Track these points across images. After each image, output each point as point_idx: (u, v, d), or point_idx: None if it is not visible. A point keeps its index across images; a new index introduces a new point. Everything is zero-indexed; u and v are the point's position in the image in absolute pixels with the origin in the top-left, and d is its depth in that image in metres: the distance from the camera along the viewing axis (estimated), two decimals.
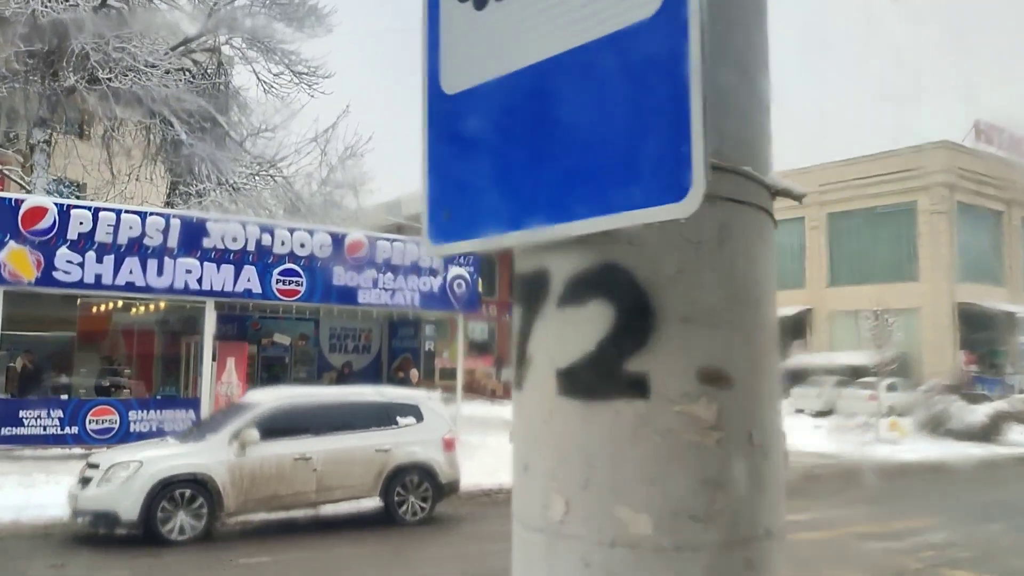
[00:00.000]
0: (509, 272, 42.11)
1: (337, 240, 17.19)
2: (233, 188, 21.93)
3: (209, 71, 22.42)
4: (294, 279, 16.49)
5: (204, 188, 21.21)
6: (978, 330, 34.72)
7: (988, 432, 23.01)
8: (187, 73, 21.55)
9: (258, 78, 22.56)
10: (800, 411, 30.40)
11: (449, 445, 11.25)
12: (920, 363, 33.85)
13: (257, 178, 22.96)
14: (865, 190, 35.90)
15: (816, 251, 37.71)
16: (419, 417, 11.26)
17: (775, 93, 1.15)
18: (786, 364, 37.49)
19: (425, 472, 10.87)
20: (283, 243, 16.41)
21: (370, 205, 43.09)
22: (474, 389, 37.34)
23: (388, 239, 18.29)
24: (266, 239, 16.21)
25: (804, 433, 22.89)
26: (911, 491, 15.10)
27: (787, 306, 37.74)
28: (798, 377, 33.32)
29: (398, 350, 21.93)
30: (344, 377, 19.79)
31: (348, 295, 17.36)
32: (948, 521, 11.58)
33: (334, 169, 27.97)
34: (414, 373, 20.01)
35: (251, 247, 16.02)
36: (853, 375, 31.25)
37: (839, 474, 16.80)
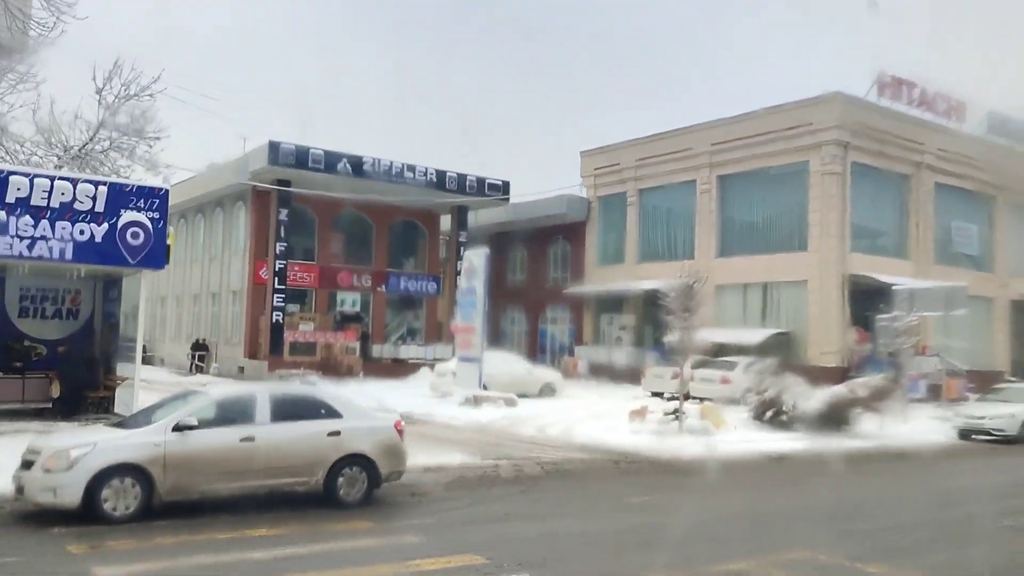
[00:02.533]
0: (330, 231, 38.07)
1: None
2: None
3: None
4: None
5: None
6: (874, 306, 31.11)
7: (830, 421, 19.52)
8: None
9: None
10: (658, 394, 26.87)
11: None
12: (806, 342, 30.36)
13: None
14: (757, 149, 32.19)
15: (706, 218, 34.04)
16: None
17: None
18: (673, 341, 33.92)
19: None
20: None
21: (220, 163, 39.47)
22: (330, 367, 33.81)
23: (24, 174, 14.60)
24: None
25: (621, 421, 19.45)
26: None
27: (665, 278, 34.13)
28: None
29: (109, 316, 18.27)
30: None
31: None
32: None
33: (112, 111, 24.35)
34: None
35: None
36: (715, 354, 27.78)
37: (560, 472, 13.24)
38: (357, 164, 34.18)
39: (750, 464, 15.82)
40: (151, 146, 25.73)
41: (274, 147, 32.37)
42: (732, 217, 33.70)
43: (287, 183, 33.91)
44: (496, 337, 43.99)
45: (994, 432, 19.84)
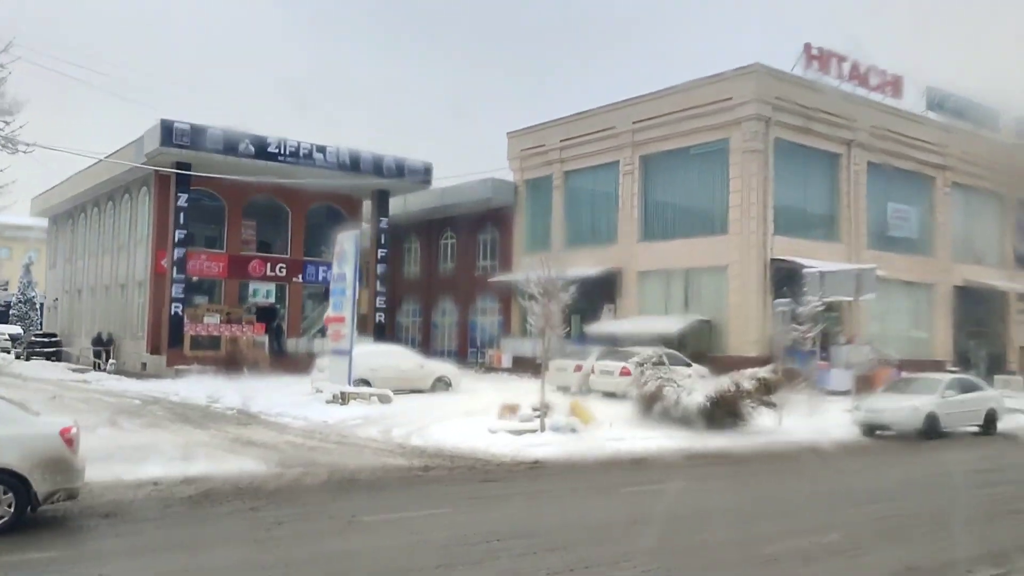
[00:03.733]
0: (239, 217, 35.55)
1: None
2: None
3: None
4: None
5: None
6: (799, 292, 29.42)
7: (718, 416, 17.77)
8: None
9: None
10: (564, 388, 25.06)
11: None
12: (725, 331, 28.65)
13: None
14: (678, 127, 30.39)
15: (629, 201, 32.23)
16: None
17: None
18: (593, 332, 32.21)
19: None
20: None
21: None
22: (234, 362, 31.87)
23: None
24: None
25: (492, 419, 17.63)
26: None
27: (594, 266, 32.44)
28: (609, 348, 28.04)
29: None
30: None
31: None
32: None
33: None
34: None
35: None
36: (613, 344, 26.07)
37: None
38: (260, 145, 32.23)
39: (597, 466, 14.04)
40: (7, 122, 23.92)
41: (167, 127, 30.35)
42: (655, 200, 31.91)
43: (188, 166, 31.95)
44: (428, 330, 42.30)
45: (895, 427, 18.14)
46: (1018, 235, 38.21)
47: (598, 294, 33.27)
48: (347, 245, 21.30)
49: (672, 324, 28.54)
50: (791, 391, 19.02)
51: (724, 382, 17.78)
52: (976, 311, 36.28)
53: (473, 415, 18.75)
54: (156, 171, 32.77)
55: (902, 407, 18.16)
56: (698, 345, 28.92)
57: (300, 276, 36.76)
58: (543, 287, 16.91)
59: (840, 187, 30.88)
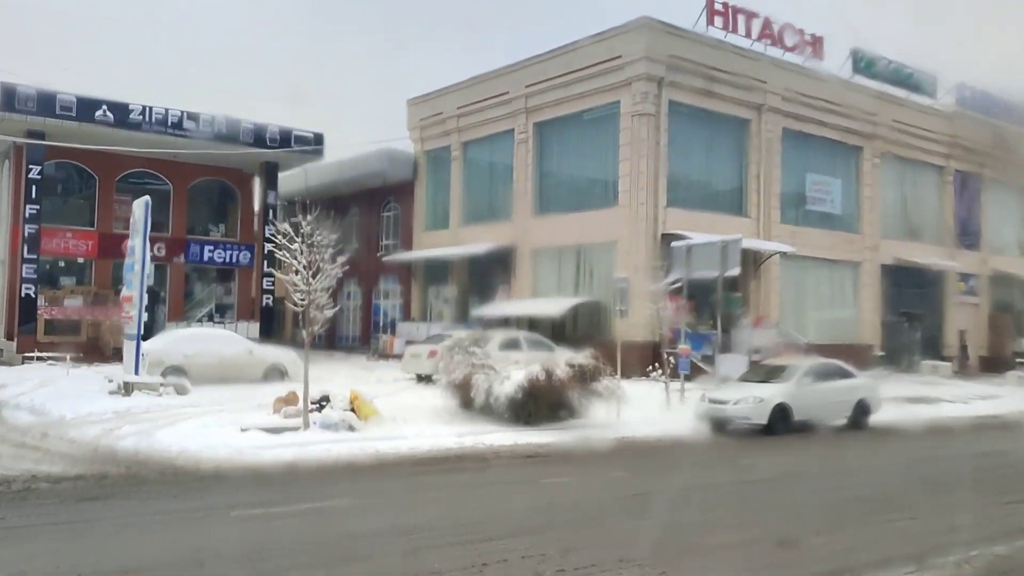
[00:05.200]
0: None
1: None
2: None
3: None
4: None
5: None
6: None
7: (536, 408, 15.21)
8: None
9: None
10: (423, 377, 22.44)
11: None
12: (611, 312, 25.99)
13: None
14: (570, 90, 27.67)
15: (523, 172, 29.53)
16: None
17: None
18: (483, 314, 29.59)
19: None
20: None
21: None
22: (96, 348, 29.27)
23: None
24: None
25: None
26: None
27: (488, 242, 29.86)
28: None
29: None
30: None
31: None
32: None
33: None
34: None
35: None
36: (485, 327, 23.48)
37: None
38: (121, 112, 29.47)
39: (322, 473, 11.45)
40: None
41: (8, 91, 27.59)
42: (549, 170, 29.22)
43: (42, 135, 29.18)
44: (334, 315, 39.59)
45: (738, 421, 15.54)
46: (958, 210, 35.62)
47: (494, 273, 30.72)
48: (138, 213, 18.62)
49: (552, 307, 25.96)
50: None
51: (535, 370, 15.16)
52: (910, 292, 33.73)
53: (264, 409, 16.16)
54: (14, 142, 30.03)
55: (745, 398, 15.54)
56: (587, 328, 26.35)
57: (183, 256, 34.06)
58: (305, 256, 14.21)
59: (749, 156, 28.17)
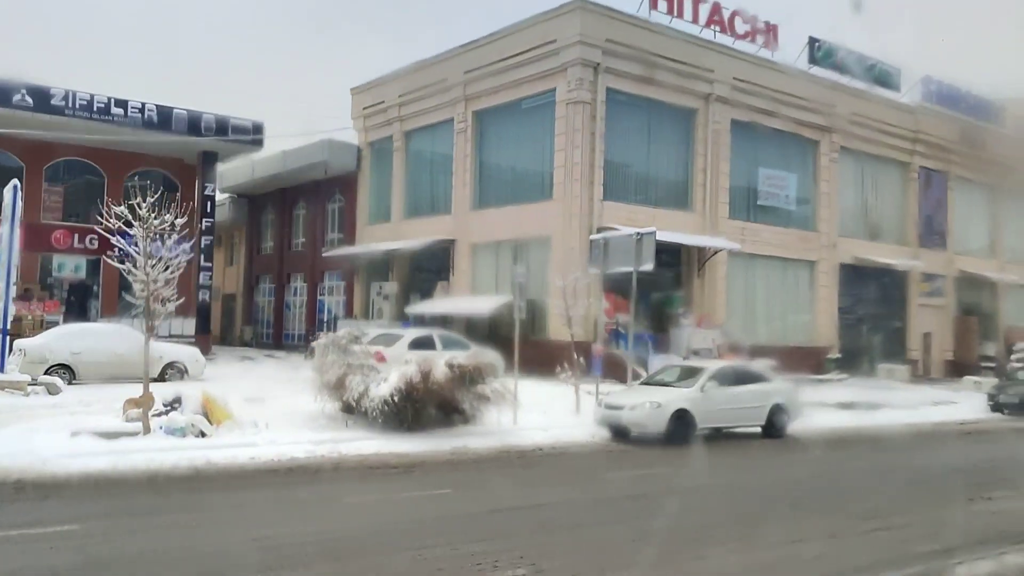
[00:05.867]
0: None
1: None
2: None
3: None
4: None
5: None
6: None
7: (409, 413, 13.93)
8: None
9: None
10: None
11: None
12: (545, 311, 24.74)
13: None
14: (508, 76, 26.39)
15: (462, 163, 28.24)
16: None
17: None
18: (418, 311, 28.29)
19: None
20: None
21: None
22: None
23: None
24: None
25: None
26: None
27: (427, 236, 28.61)
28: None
29: None
30: None
31: None
32: None
33: None
34: None
35: None
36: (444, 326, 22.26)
37: None
38: (42, 96, 28.16)
39: (129, 486, 10.17)
40: None
41: None
42: (489, 161, 27.93)
43: None
44: (281, 311, 38.39)
45: (635, 428, 14.25)
46: (923, 209, 34.37)
47: (434, 269, 29.47)
48: (7, 199, 17.36)
49: (483, 304, 24.69)
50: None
51: (410, 370, 13.87)
52: (871, 293, 32.51)
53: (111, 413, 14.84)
54: None
55: (641, 404, 14.25)
56: (522, 327, 25.01)
57: (118, 249, 32.66)
58: (144, 242, 12.93)
59: (695, 148, 26.89)
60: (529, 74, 25.52)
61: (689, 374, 15.43)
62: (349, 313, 33.32)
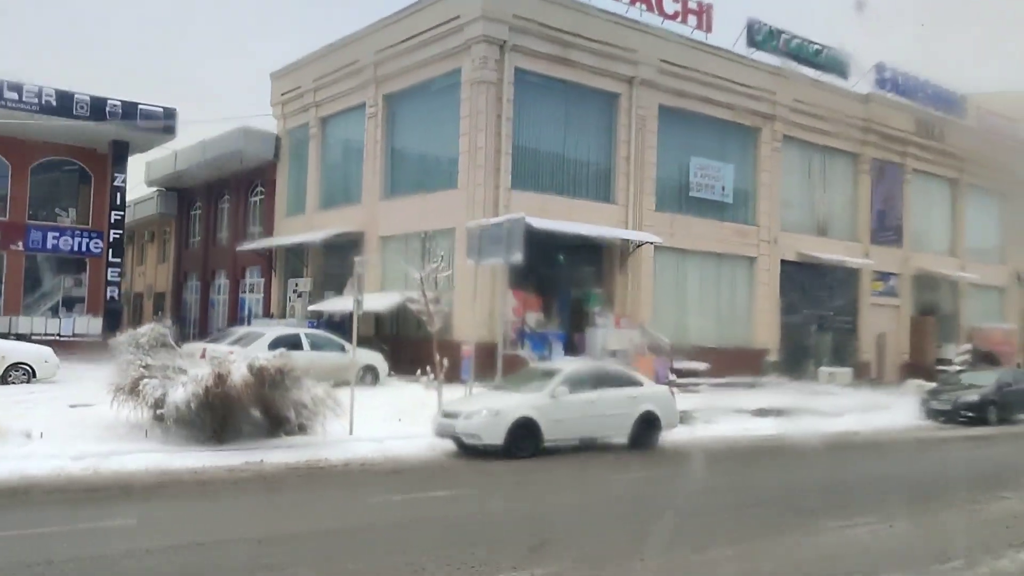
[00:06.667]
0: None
1: None
2: None
3: None
4: None
5: None
6: (551, 262, 23.87)
7: (205, 421, 12.14)
8: None
9: None
10: None
11: None
12: (451, 310, 22.87)
13: None
14: (417, 56, 24.59)
15: (373, 149, 26.43)
16: None
17: None
18: (322, 309, 26.46)
19: None
20: None
21: None
22: None
23: None
24: None
25: None
26: None
27: (338, 228, 26.81)
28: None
29: None
30: None
31: None
32: None
33: None
34: None
35: None
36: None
37: None
38: None
39: None
40: None
41: None
42: (399, 147, 26.14)
43: None
44: (206, 309, 36.59)
45: (470, 439, 12.42)
46: (875, 203, 32.57)
47: (348, 264, 27.53)
48: None
49: (379, 302, 22.85)
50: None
51: (204, 373, 12.05)
52: (819, 291, 30.71)
53: None
54: None
55: (478, 411, 12.42)
56: (418, 327, 23.23)
57: (21, 243, 30.87)
58: None
59: (618, 135, 25.07)
60: (436, 53, 23.73)
61: (545, 377, 13.59)
62: (267, 311, 31.50)
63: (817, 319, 30.43)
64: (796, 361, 28.72)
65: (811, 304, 30.40)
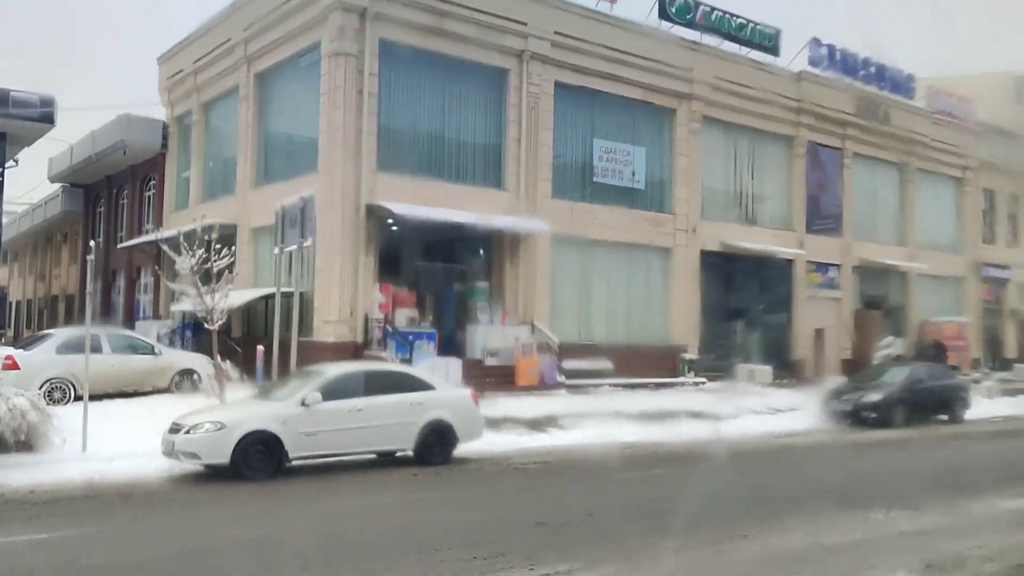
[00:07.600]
0: None
1: None
2: None
3: None
4: None
5: None
6: (422, 252, 21.64)
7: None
8: None
9: None
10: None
11: None
12: (310, 306, 20.80)
13: None
14: (284, 28, 22.45)
15: (246, 134, 24.29)
16: None
17: None
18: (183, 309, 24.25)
19: None
20: None
21: None
22: None
23: None
24: None
25: None
26: None
27: (211, 220, 24.46)
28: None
29: None
30: None
31: None
32: None
33: None
34: None
35: None
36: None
37: None
38: None
39: None
40: None
41: None
42: (270, 131, 24.00)
43: None
44: (109, 311, 34.42)
45: (184, 458, 10.24)
46: (811, 189, 30.36)
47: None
48: None
49: (238, 298, 20.65)
50: None
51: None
52: (747, 284, 28.59)
53: None
54: None
55: (201, 424, 10.26)
56: (281, 326, 21.07)
57: None
58: None
59: (507, 114, 22.90)
60: (298, 25, 21.60)
61: (304, 382, 11.39)
62: (156, 313, 29.35)
63: (744, 314, 28.24)
64: (720, 359, 26.56)
65: (738, 298, 28.24)
